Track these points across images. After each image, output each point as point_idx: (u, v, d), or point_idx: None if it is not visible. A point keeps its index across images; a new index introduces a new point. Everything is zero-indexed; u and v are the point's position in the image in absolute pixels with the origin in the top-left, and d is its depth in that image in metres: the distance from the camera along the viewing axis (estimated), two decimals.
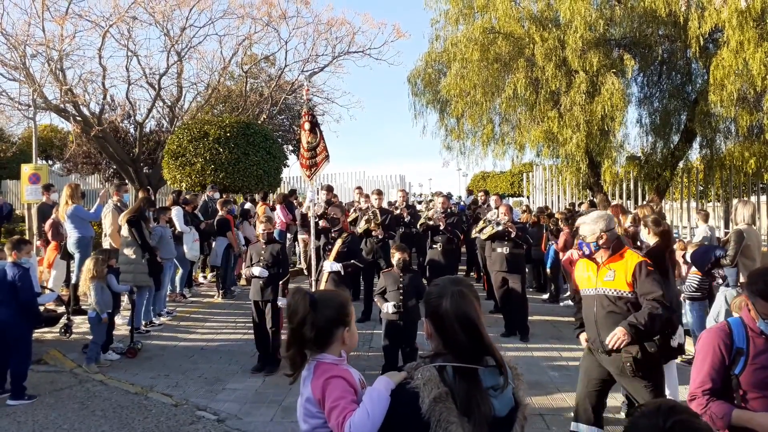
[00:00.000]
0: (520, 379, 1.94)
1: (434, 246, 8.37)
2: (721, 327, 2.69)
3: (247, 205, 12.08)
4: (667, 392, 5.06)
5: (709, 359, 2.62)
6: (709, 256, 6.11)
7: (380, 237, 8.83)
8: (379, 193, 9.74)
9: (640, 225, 5.72)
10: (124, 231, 7.59)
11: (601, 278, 3.81)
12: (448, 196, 9.68)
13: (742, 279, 5.90)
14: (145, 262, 7.56)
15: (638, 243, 5.56)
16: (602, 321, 3.78)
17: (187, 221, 9.56)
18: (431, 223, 8.46)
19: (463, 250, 11.72)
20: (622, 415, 5.05)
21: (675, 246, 7.16)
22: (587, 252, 3.87)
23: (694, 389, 2.65)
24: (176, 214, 9.36)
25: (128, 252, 7.48)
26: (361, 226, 8.77)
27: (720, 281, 6.52)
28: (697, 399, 2.61)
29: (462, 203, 15.25)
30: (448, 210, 8.96)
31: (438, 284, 1.97)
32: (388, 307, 5.66)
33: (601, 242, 3.79)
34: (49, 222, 8.77)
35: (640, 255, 3.82)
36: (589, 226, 3.83)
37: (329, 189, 12.50)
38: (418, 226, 9.19)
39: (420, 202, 13.96)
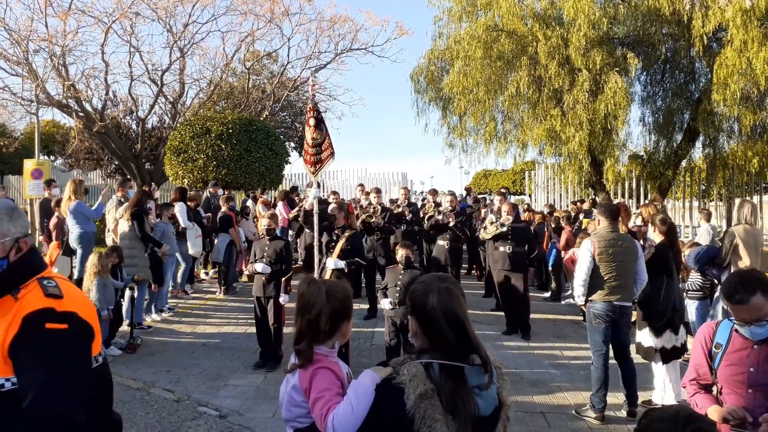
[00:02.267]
0: (504, 379, 1.93)
1: (441, 243, 8.37)
2: (709, 323, 2.84)
3: (249, 203, 12.10)
4: (671, 391, 5.07)
5: (694, 352, 2.79)
6: (703, 256, 6.10)
7: (380, 226, 8.86)
8: (378, 191, 9.81)
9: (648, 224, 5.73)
10: (123, 225, 7.58)
11: None
12: (456, 195, 9.78)
13: None
14: (147, 256, 7.58)
15: (642, 242, 5.55)
16: None
17: (189, 217, 9.58)
18: (440, 217, 8.48)
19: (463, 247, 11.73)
20: (623, 413, 5.06)
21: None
22: None
23: (684, 380, 2.82)
24: (179, 210, 9.37)
25: (130, 246, 7.48)
26: (362, 218, 8.87)
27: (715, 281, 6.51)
28: (687, 389, 2.77)
29: (464, 202, 15.26)
30: (457, 208, 9.01)
31: (423, 281, 1.93)
32: (385, 303, 5.67)
33: (14, 256, 1.87)
34: (54, 221, 8.78)
35: (45, 295, 1.79)
36: None
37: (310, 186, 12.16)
38: (425, 226, 9.24)
39: (424, 200, 13.96)
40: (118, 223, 8.04)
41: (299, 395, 2.11)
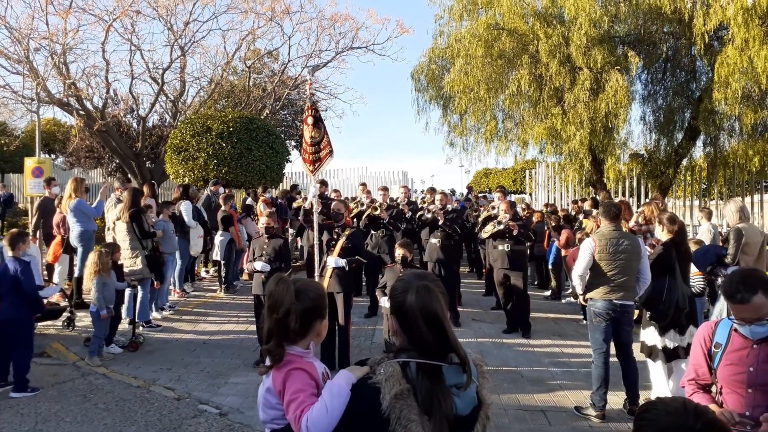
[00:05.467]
0: (485, 377, 1.89)
1: (433, 241, 8.36)
2: (708, 323, 2.82)
3: (249, 201, 12.09)
4: (667, 391, 5.07)
5: (693, 352, 2.78)
6: (710, 255, 6.07)
7: (386, 222, 8.88)
8: (385, 189, 9.87)
9: (654, 222, 5.73)
10: (121, 226, 7.56)
11: None
12: (450, 193, 9.75)
13: None
14: (149, 254, 7.58)
15: (648, 240, 5.55)
16: None
17: (193, 216, 9.63)
18: (429, 216, 8.47)
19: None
20: (624, 411, 5.06)
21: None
22: None
23: (683, 380, 2.82)
24: (185, 208, 9.46)
25: (131, 245, 7.48)
26: (368, 212, 8.91)
27: (720, 280, 6.48)
28: (685, 389, 2.77)
29: (462, 202, 15.25)
30: (447, 206, 8.99)
31: (403, 279, 1.91)
32: (384, 302, 5.68)
33: None
34: (58, 218, 8.78)
35: None
36: None
37: (323, 183, 12.24)
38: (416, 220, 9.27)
39: (423, 199, 13.96)
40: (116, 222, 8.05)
41: (273, 397, 2.09)
